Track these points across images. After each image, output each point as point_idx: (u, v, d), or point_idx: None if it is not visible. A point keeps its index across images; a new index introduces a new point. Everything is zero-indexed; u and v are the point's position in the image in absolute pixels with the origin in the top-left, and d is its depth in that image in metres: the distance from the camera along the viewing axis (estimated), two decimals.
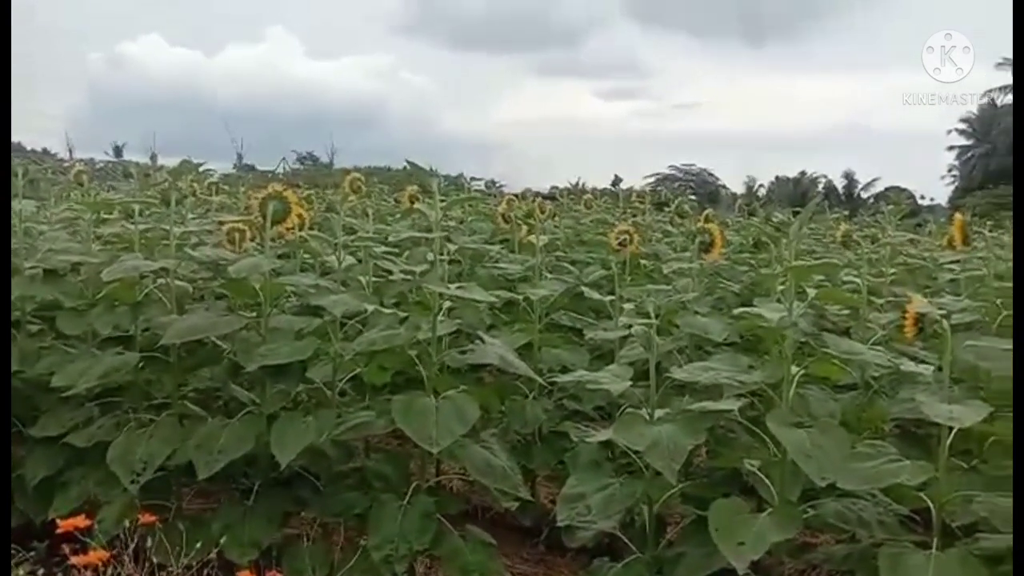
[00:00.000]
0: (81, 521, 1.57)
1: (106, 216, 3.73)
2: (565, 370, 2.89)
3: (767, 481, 2.03)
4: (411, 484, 2.41)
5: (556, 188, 5.56)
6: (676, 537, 2.30)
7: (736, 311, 2.19)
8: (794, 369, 2.02)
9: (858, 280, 2.69)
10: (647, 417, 2.09)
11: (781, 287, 2.64)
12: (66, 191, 4.61)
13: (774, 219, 3.20)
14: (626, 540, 2.22)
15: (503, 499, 2.71)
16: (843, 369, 2.27)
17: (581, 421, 2.89)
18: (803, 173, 33.00)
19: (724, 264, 3.53)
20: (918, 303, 1.89)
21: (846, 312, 2.83)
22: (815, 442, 1.82)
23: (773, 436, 1.98)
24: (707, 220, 3.00)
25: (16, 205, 2.92)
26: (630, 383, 2.19)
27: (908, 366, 2.10)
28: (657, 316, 2.14)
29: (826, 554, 2.10)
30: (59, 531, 1.57)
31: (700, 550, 1.97)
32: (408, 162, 2.36)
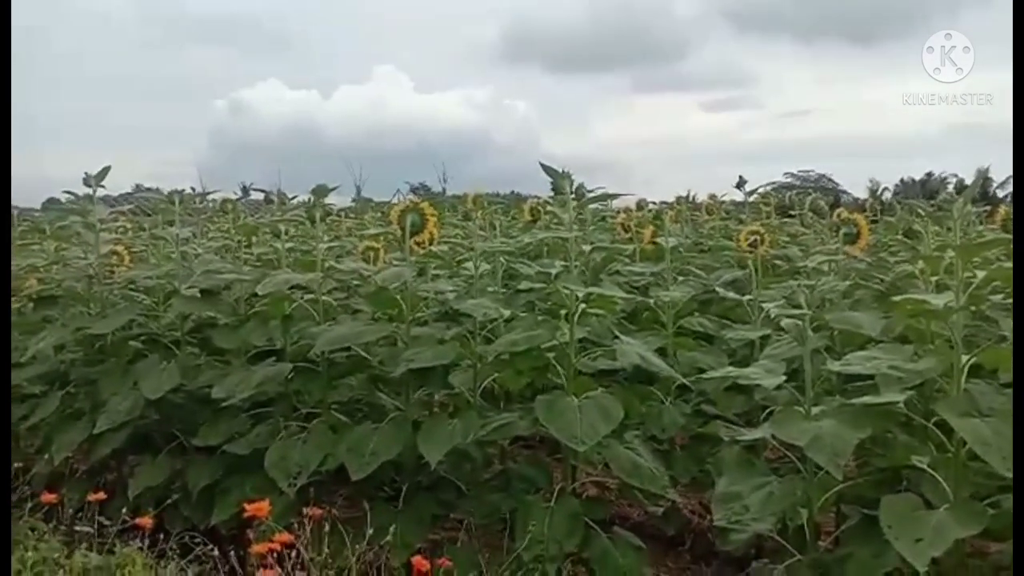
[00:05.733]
0: (265, 506, 1.65)
1: (246, 243, 3.96)
2: (700, 372, 2.83)
3: (939, 478, 1.90)
4: (554, 487, 2.41)
5: (665, 203, 5.48)
6: (836, 539, 2.19)
7: (896, 298, 2.07)
8: (964, 357, 1.89)
9: None
10: (804, 412, 2.00)
11: (935, 277, 2.49)
12: (208, 220, 4.93)
13: (920, 211, 3.02)
14: (783, 542, 2.13)
15: (649, 502, 2.66)
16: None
17: (721, 427, 2.81)
18: (930, 174, 31.15)
19: (862, 266, 3.36)
20: None
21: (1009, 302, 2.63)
22: (995, 430, 1.69)
23: (944, 429, 1.87)
24: (850, 213, 2.87)
25: (175, 230, 3.14)
26: (784, 378, 2.10)
27: None
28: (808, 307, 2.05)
29: None
30: (246, 515, 1.65)
31: (868, 549, 1.86)
32: (541, 164, 2.38)
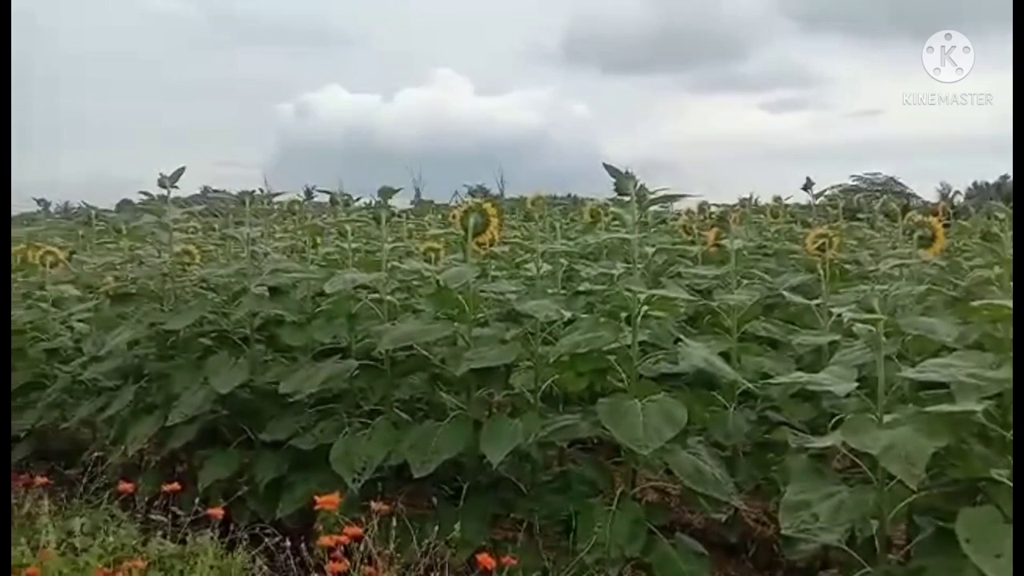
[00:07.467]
0: (335, 499, 1.68)
1: (312, 243, 4.05)
2: (766, 377, 2.77)
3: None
4: (615, 491, 2.39)
5: (727, 205, 5.39)
6: (907, 552, 2.13)
7: (974, 303, 2.00)
8: None
9: None
10: (876, 420, 1.94)
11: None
12: (274, 222, 5.07)
13: (998, 214, 2.91)
14: (853, 554, 2.07)
15: (711, 509, 2.62)
16: None
17: (789, 434, 2.75)
18: (1005, 177, 29.89)
19: (935, 271, 3.25)
20: None
21: None
22: None
23: None
24: (924, 216, 2.78)
25: (245, 230, 3.23)
26: (856, 384, 2.05)
27: None
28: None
29: None
30: (316, 507, 1.69)
31: (943, 563, 1.80)
32: (605, 165, 2.38)
